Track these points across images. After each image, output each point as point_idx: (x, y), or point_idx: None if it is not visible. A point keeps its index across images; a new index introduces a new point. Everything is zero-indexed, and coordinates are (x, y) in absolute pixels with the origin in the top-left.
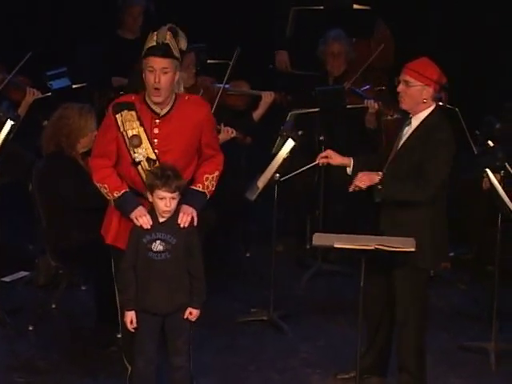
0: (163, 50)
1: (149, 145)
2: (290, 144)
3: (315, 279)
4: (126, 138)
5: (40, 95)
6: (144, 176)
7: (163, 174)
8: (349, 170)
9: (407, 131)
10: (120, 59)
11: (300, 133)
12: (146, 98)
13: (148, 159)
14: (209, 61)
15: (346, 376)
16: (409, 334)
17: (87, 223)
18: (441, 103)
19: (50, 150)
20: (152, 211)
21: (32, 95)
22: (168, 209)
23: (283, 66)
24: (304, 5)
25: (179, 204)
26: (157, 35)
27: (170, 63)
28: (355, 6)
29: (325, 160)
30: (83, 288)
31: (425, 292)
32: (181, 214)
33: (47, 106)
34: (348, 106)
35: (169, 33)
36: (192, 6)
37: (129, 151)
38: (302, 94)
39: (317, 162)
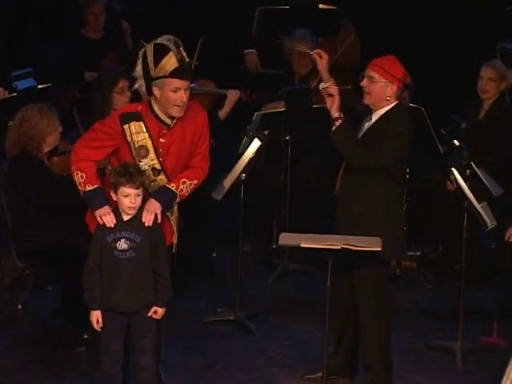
0: (189, 72)
1: (154, 155)
2: (256, 144)
3: (282, 279)
4: (133, 148)
5: (7, 95)
6: (148, 183)
7: (126, 171)
8: (322, 85)
9: (365, 127)
10: (85, 59)
11: (266, 132)
12: (155, 109)
13: (153, 169)
14: None
15: (313, 376)
16: (371, 334)
17: (54, 224)
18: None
19: (15, 153)
20: (116, 210)
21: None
22: (133, 205)
23: (253, 65)
24: (270, 4)
25: (145, 200)
26: (175, 55)
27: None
28: (321, 6)
29: (317, 56)
30: (49, 288)
31: (386, 292)
32: (144, 213)
33: (12, 107)
34: (314, 106)
35: (181, 48)
36: (156, 5)
37: (134, 160)
38: (268, 93)
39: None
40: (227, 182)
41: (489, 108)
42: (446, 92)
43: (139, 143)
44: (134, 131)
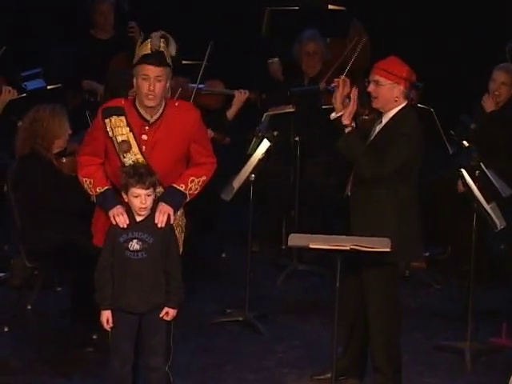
0: (158, 59)
1: (138, 150)
2: (265, 144)
3: (290, 279)
4: (115, 143)
5: (16, 94)
6: None
7: (136, 172)
8: (333, 115)
9: (377, 129)
10: (94, 59)
11: (275, 133)
12: (137, 104)
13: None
14: (183, 61)
15: (322, 377)
16: (379, 335)
17: (63, 224)
18: (413, 102)
19: (25, 152)
20: (129, 211)
21: (8, 94)
22: (144, 206)
23: (278, 75)
24: (279, 5)
25: (156, 202)
26: (151, 43)
27: (164, 71)
28: (330, 7)
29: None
30: (58, 289)
31: (394, 291)
32: (157, 214)
33: (21, 107)
34: (323, 106)
35: (162, 40)
36: (165, 5)
37: (118, 156)
38: (277, 94)
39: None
40: (236, 183)
41: (498, 110)
42: (454, 93)
43: (121, 138)
44: (114, 125)
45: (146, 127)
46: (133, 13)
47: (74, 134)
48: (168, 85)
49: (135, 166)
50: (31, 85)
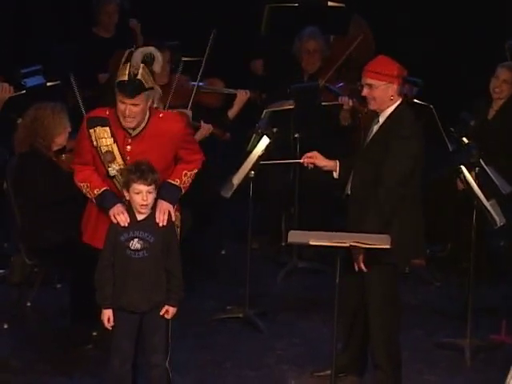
0: (133, 89)
1: (122, 161)
2: (264, 141)
3: (290, 276)
4: (100, 153)
5: (13, 92)
6: (120, 188)
7: (138, 169)
8: (335, 174)
9: (375, 129)
10: (95, 57)
11: (275, 130)
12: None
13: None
14: (183, 58)
15: (322, 374)
16: (379, 332)
17: (63, 222)
18: (416, 100)
19: (24, 150)
20: (130, 209)
21: (5, 91)
22: (145, 203)
23: (259, 71)
24: (278, 2)
25: (155, 200)
26: (129, 67)
27: (140, 98)
28: (330, 4)
29: (310, 160)
30: (58, 286)
31: (394, 289)
32: (157, 213)
33: (21, 104)
34: (323, 104)
35: (142, 65)
36: (165, 5)
37: (103, 164)
38: (277, 92)
39: (302, 161)
40: (236, 180)
41: (499, 108)
42: (454, 92)
43: (105, 148)
44: (99, 136)
45: (129, 139)
46: (133, 12)
47: (73, 130)
48: (150, 103)
49: (137, 162)
50: (31, 81)
